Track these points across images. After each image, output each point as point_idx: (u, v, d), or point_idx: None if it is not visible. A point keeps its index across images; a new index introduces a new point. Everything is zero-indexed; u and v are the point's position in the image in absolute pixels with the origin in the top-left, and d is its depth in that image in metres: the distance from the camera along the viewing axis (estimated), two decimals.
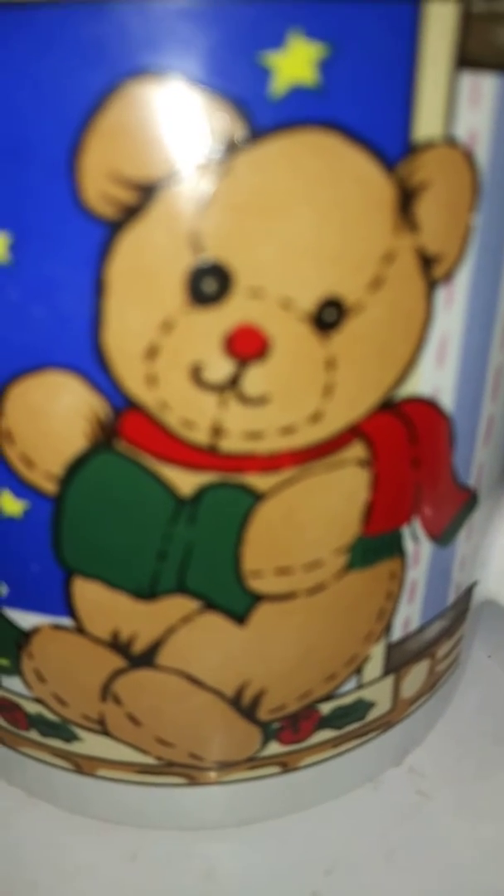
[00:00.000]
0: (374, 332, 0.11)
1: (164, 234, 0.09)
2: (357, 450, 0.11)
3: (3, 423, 0.11)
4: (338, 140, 0.09)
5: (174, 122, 0.09)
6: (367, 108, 0.09)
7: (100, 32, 0.09)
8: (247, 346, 0.10)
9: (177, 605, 0.12)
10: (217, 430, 0.11)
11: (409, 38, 0.09)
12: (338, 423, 0.11)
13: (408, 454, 0.12)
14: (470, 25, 0.09)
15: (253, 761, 0.15)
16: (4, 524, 0.12)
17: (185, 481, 0.11)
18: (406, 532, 0.13)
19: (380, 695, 0.15)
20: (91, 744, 0.14)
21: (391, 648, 0.14)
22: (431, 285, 0.11)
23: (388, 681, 0.15)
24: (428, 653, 0.15)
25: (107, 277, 0.10)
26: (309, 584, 0.12)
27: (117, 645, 0.13)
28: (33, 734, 0.15)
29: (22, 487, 0.11)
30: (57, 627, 0.13)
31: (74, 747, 0.15)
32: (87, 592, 0.12)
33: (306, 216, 0.10)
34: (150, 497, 0.11)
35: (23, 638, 0.13)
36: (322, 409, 0.11)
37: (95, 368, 0.10)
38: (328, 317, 0.10)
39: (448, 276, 0.11)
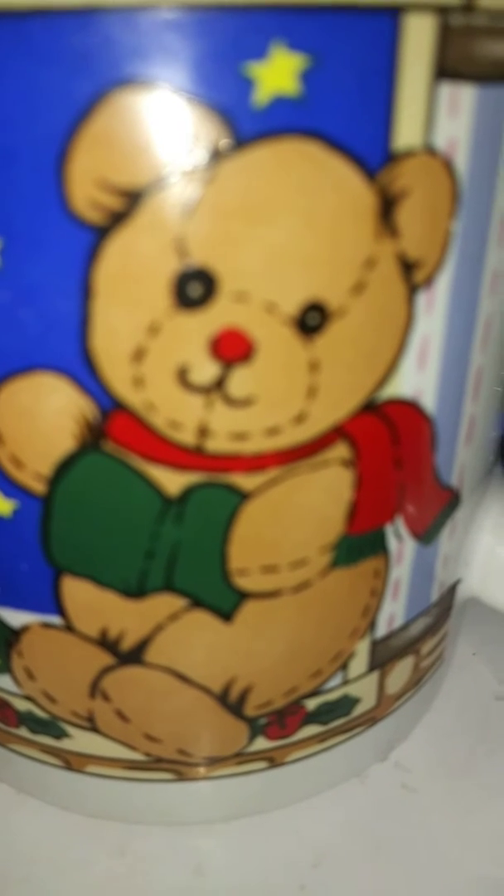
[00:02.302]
0: (356, 336, 0.11)
1: (151, 240, 0.10)
2: (341, 450, 0.12)
3: None
4: (320, 148, 0.09)
5: (160, 131, 0.09)
6: (349, 118, 0.09)
7: (88, 42, 0.09)
8: (232, 349, 0.10)
9: (164, 603, 0.12)
10: (203, 431, 0.11)
11: (389, 50, 0.09)
12: (322, 423, 0.11)
13: (390, 454, 0.12)
14: (448, 38, 0.09)
15: (240, 757, 0.15)
16: None
17: (172, 481, 0.11)
18: (389, 530, 0.13)
19: (365, 691, 0.15)
20: (80, 740, 0.14)
21: (376, 645, 0.14)
22: (412, 290, 0.11)
23: (373, 677, 0.15)
24: (412, 649, 0.15)
25: (94, 281, 0.10)
26: (294, 581, 0.12)
27: (106, 642, 0.13)
28: (23, 731, 0.15)
29: (11, 487, 0.11)
30: (46, 625, 0.13)
31: (64, 744, 0.15)
32: (75, 591, 0.12)
33: (289, 223, 0.10)
34: (138, 497, 0.11)
35: (12, 636, 0.13)
36: (306, 411, 0.11)
37: (83, 370, 0.10)
38: (311, 320, 0.10)
39: (429, 281, 0.11)
